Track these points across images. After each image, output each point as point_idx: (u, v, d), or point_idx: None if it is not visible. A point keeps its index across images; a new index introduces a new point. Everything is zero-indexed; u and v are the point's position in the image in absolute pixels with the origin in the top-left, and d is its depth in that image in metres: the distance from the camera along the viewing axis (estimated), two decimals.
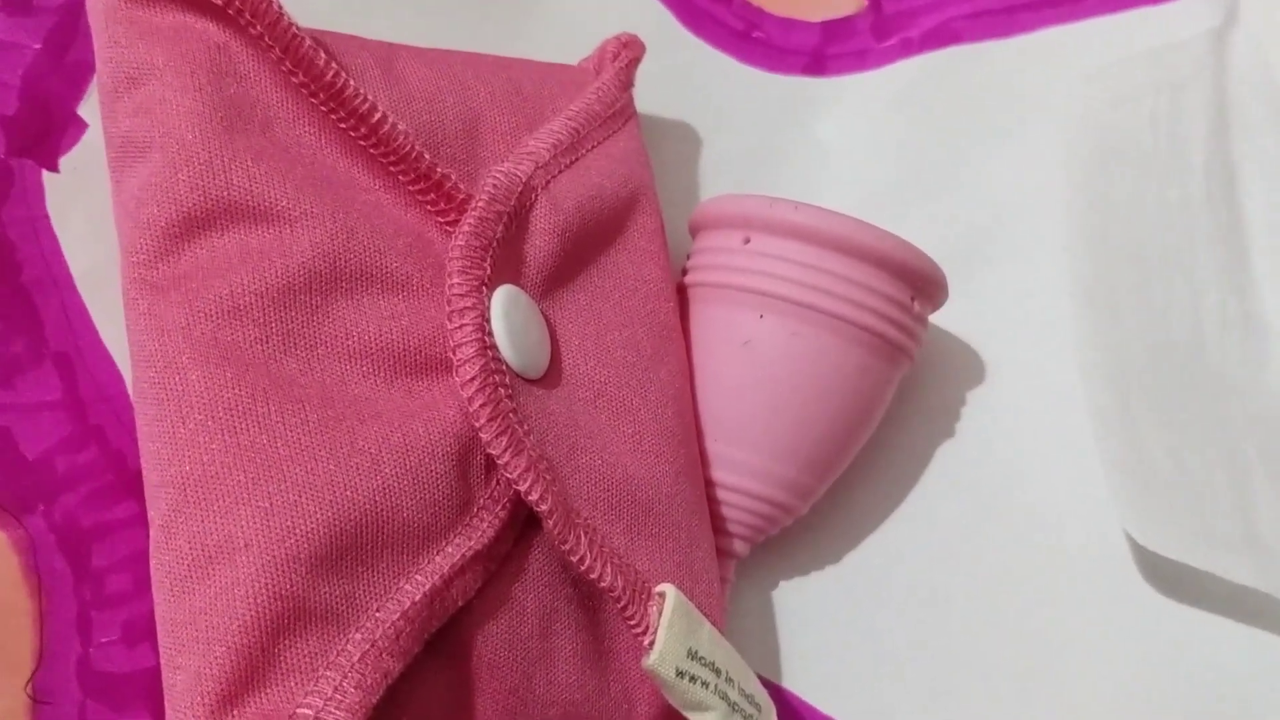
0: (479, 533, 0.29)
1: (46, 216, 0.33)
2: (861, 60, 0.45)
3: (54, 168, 0.33)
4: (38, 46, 0.34)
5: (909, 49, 0.45)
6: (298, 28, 0.30)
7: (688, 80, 0.44)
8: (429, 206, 0.32)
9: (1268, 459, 0.38)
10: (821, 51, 0.45)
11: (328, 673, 0.26)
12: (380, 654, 0.26)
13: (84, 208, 0.33)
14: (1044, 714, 0.37)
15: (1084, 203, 0.42)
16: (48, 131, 0.34)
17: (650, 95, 0.41)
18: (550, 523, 0.29)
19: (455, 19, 0.41)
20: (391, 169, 0.31)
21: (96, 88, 0.31)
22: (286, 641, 0.26)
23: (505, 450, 0.29)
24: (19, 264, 0.32)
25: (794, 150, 0.44)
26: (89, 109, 0.34)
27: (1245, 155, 0.42)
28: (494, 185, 0.32)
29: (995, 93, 0.44)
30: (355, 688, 0.26)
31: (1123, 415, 0.38)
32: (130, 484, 0.31)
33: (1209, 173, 0.42)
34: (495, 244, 0.31)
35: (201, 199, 0.28)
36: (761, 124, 0.44)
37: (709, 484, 0.36)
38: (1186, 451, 0.38)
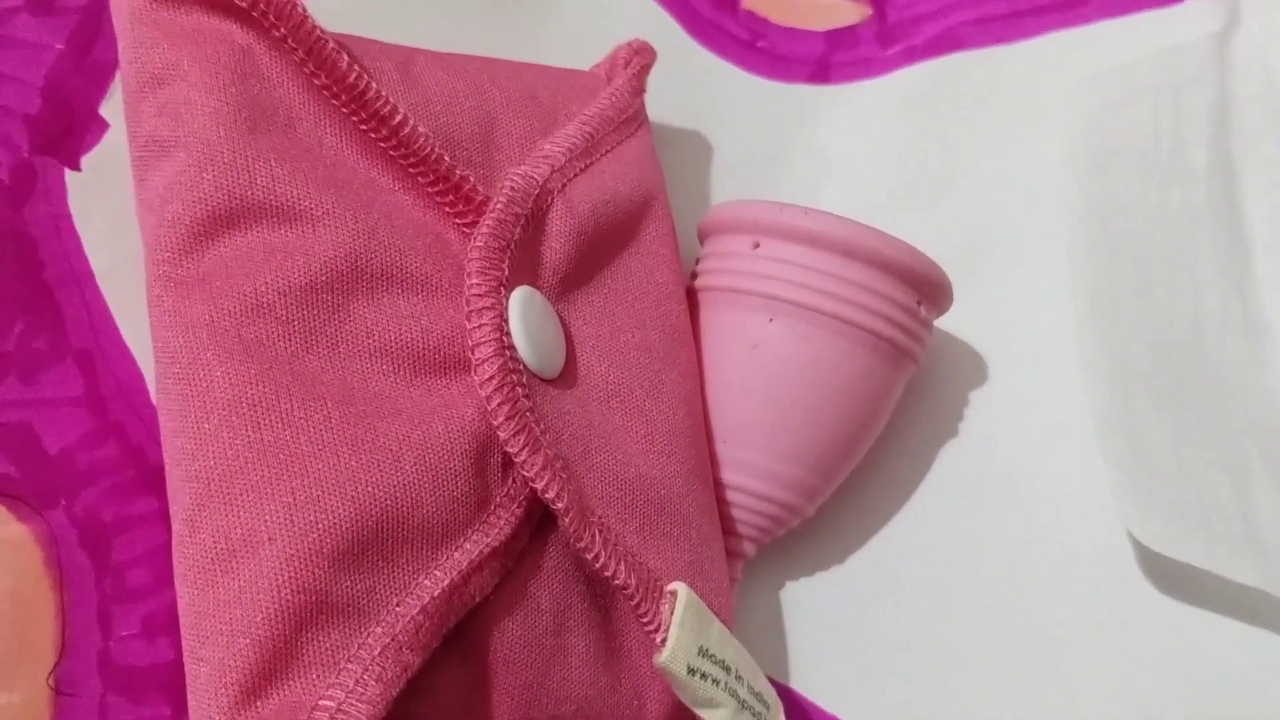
0: (496, 529, 0.29)
1: (69, 215, 0.33)
2: (866, 68, 0.45)
3: (76, 166, 0.33)
4: (61, 46, 0.34)
5: (913, 56, 0.45)
6: (321, 30, 0.30)
7: (694, 89, 0.44)
8: (447, 208, 0.32)
9: (1268, 459, 0.38)
10: (826, 60, 0.45)
11: (349, 665, 0.26)
12: (400, 648, 0.26)
13: (106, 206, 0.33)
14: (1048, 712, 0.37)
15: (1086, 205, 0.42)
16: (70, 131, 0.34)
17: (657, 103, 0.41)
18: (566, 520, 0.30)
19: (467, 25, 0.41)
20: (411, 170, 0.31)
21: (120, 87, 0.31)
22: (309, 634, 0.26)
23: (522, 448, 0.29)
24: (42, 261, 0.32)
25: (800, 156, 0.44)
26: (111, 109, 0.34)
27: (1246, 157, 0.42)
28: (512, 188, 0.32)
29: (999, 98, 0.44)
30: (376, 680, 0.26)
31: (1124, 415, 0.38)
32: (150, 479, 0.31)
33: (1210, 175, 0.42)
34: (513, 246, 0.31)
35: (226, 198, 0.29)
36: (767, 131, 0.44)
37: (718, 485, 0.36)
38: (1187, 451, 0.38)
